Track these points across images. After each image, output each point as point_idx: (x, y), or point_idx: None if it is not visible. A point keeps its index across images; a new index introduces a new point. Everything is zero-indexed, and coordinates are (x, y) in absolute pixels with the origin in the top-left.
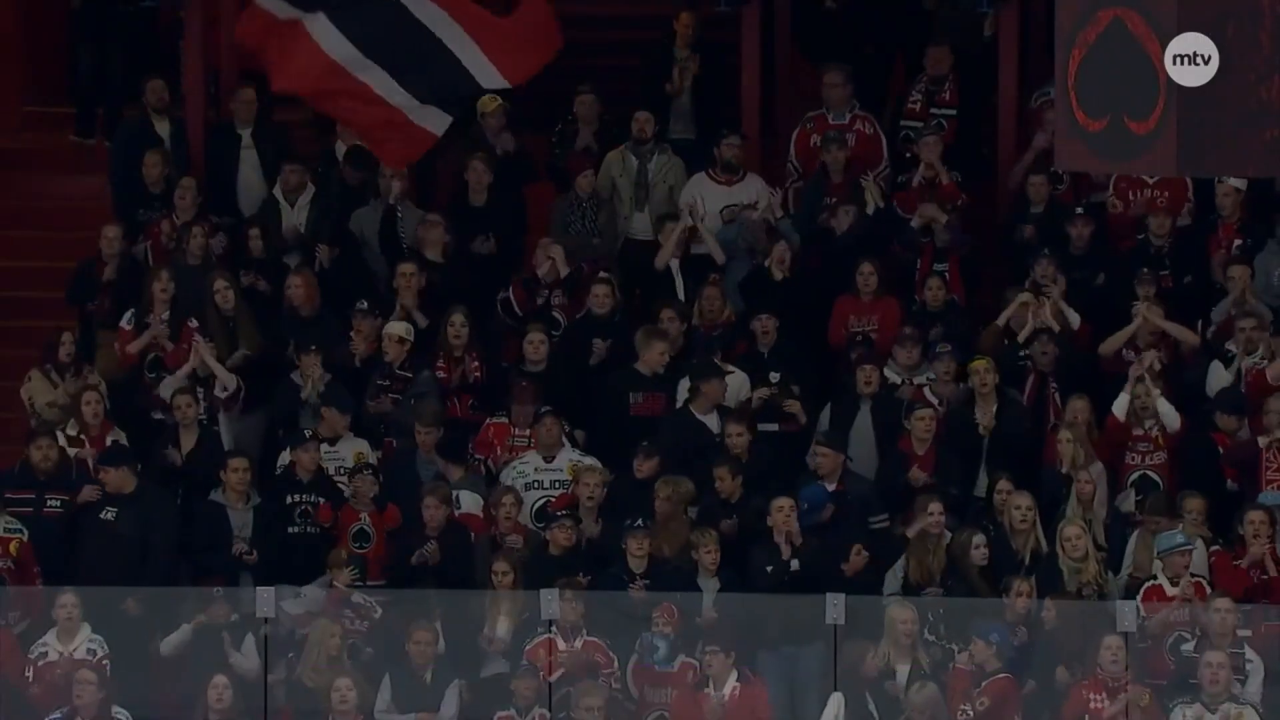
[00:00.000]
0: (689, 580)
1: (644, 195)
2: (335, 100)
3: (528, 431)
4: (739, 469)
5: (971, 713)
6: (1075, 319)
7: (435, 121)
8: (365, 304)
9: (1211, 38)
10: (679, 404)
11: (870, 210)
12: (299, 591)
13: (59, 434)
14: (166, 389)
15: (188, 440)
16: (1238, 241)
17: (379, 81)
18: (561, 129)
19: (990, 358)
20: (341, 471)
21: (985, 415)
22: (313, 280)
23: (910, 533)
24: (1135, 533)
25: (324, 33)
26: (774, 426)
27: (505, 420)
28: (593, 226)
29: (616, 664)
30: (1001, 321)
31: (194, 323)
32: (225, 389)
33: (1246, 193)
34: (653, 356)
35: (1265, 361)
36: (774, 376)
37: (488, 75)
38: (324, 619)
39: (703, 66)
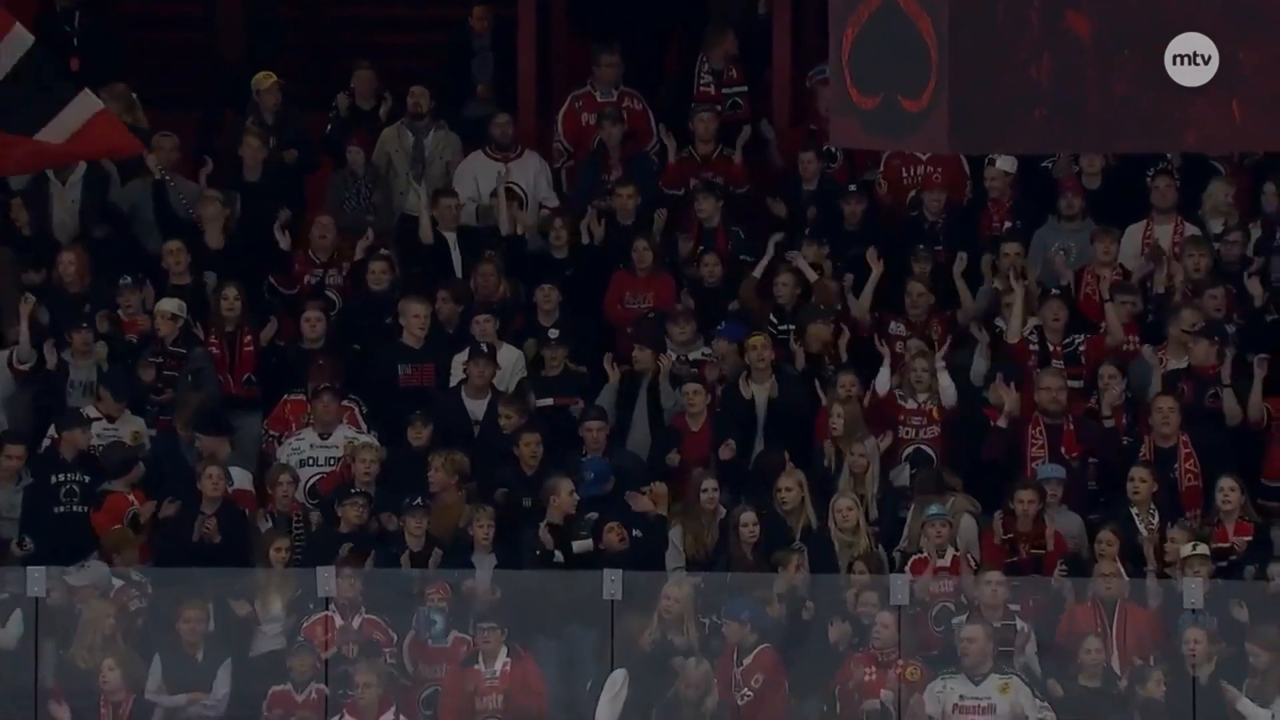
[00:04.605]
0: (464, 557)
1: (420, 170)
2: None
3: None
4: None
5: (745, 687)
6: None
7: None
8: (129, 279)
9: (979, 17)
10: (453, 383)
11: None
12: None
13: None
14: None
15: None
16: (1008, 224)
17: None
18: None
19: (766, 334)
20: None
21: (761, 390)
22: (84, 256)
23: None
24: (912, 506)
25: None
26: (549, 401)
27: (303, 397)
28: (367, 203)
29: (395, 640)
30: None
31: None
32: (24, 361)
33: (1018, 174)
34: (412, 321)
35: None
36: (553, 333)
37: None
38: (97, 599)
39: (497, 46)
